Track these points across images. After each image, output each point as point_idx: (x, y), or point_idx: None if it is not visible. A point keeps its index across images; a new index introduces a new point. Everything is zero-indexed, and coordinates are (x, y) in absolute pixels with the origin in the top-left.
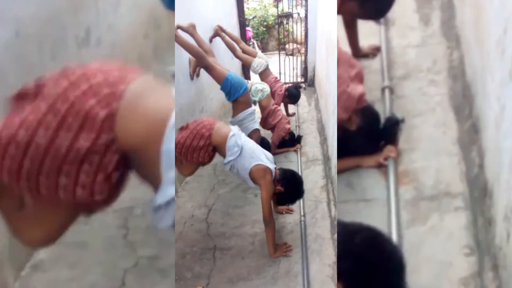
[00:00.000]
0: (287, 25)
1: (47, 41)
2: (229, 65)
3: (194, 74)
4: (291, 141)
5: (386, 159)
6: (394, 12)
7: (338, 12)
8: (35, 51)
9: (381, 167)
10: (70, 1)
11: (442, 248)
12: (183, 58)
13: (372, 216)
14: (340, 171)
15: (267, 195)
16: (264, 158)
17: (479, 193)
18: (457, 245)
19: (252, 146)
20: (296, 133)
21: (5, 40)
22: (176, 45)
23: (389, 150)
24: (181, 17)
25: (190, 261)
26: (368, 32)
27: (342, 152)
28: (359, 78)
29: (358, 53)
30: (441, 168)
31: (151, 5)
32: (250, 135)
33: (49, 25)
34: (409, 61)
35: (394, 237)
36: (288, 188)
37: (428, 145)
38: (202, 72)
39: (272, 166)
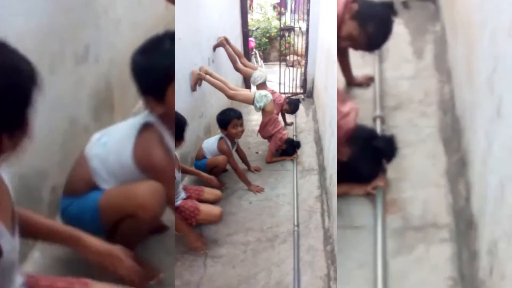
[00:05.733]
0: (288, 38)
1: (46, 56)
2: (231, 73)
3: (195, 86)
4: (292, 148)
5: (374, 188)
6: (389, 44)
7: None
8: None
9: (369, 195)
10: (71, 18)
11: (426, 279)
12: (185, 64)
13: (359, 244)
14: None
15: None
16: None
17: (464, 226)
18: (441, 276)
19: None
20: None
21: None
22: (179, 49)
23: (378, 180)
24: (187, 26)
25: (180, 268)
26: (362, 62)
27: (348, 179)
28: (355, 114)
29: (352, 82)
30: (428, 199)
31: (152, 24)
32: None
33: (49, 41)
34: (401, 93)
35: (379, 266)
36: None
37: (417, 176)
38: None
39: None
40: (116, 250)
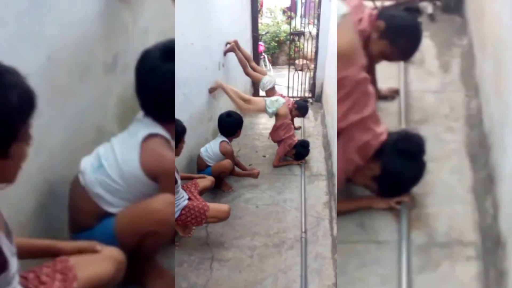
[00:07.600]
0: (298, 42)
1: (76, 66)
2: (241, 77)
3: (212, 93)
4: (305, 149)
5: (399, 203)
6: (415, 57)
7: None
8: (64, 75)
9: (393, 210)
10: (103, 28)
11: None
12: (197, 67)
13: (383, 259)
14: (352, 211)
15: None
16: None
17: (491, 244)
18: None
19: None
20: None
21: (37, 63)
22: (182, 50)
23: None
24: (199, 31)
25: (187, 270)
26: (388, 75)
27: (395, 191)
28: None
29: (376, 94)
30: (454, 215)
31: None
32: None
33: (79, 50)
34: (427, 106)
35: (404, 282)
36: None
37: (442, 191)
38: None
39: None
40: (89, 242)
